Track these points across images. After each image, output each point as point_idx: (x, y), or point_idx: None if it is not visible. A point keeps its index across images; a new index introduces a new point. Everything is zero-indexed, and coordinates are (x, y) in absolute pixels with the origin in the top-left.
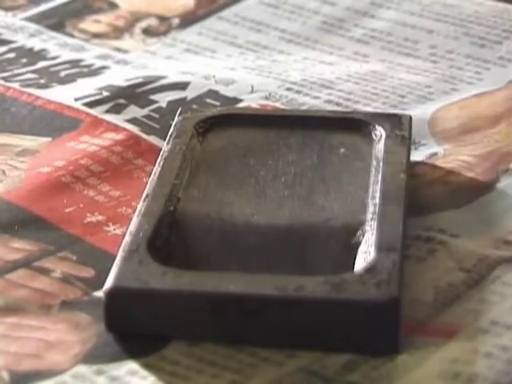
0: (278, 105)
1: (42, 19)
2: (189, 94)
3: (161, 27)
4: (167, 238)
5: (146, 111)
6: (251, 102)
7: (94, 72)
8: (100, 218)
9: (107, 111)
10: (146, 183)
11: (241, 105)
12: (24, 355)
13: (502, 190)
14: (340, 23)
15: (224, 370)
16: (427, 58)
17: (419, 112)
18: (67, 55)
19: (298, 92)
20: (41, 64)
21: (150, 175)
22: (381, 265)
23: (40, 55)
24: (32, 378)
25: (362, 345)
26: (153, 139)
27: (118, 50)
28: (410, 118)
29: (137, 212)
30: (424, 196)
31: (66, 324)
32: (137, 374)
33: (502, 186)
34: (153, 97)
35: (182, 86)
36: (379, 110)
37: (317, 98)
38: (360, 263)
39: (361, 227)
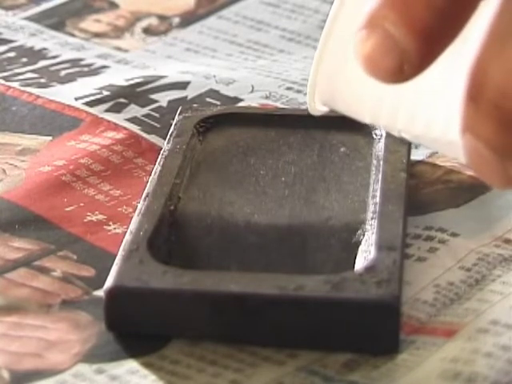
0: (278, 104)
1: (43, 18)
2: (189, 93)
3: (161, 26)
4: (167, 238)
5: (146, 110)
6: (251, 101)
7: (94, 71)
8: (100, 217)
9: (107, 110)
10: (147, 182)
11: (241, 104)
12: (24, 354)
13: None
14: None
15: (224, 369)
16: None
17: None
18: (67, 54)
19: (299, 91)
20: (41, 63)
21: (150, 174)
22: (381, 264)
23: (40, 54)
24: (32, 377)
25: (362, 344)
26: (153, 138)
27: (119, 49)
28: None
29: (137, 211)
30: (424, 195)
31: (66, 323)
32: (137, 373)
33: None
34: (153, 96)
35: (183, 85)
36: None
37: None
38: (360, 262)
39: (361, 226)
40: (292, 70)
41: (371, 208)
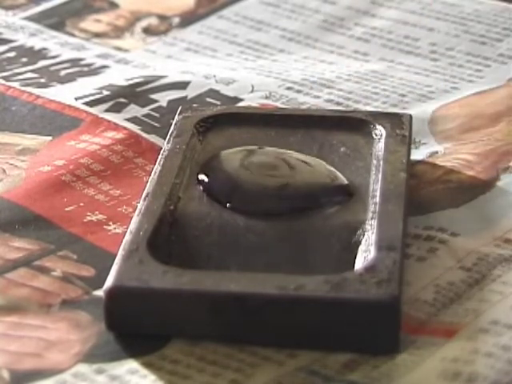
0: (278, 104)
1: (43, 18)
2: (189, 93)
3: (161, 26)
4: (167, 237)
5: (146, 110)
6: (251, 101)
7: (94, 71)
8: (100, 216)
9: (107, 110)
10: (147, 182)
11: (241, 104)
12: (24, 354)
13: (502, 188)
14: (340, 22)
15: (224, 369)
16: (427, 56)
17: (419, 111)
18: (67, 54)
19: (299, 91)
20: (41, 63)
21: (150, 174)
22: (381, 264)
23: (40, 54)
24: (32, 377)
25: (362, 344)
26: (153, 138)
27: (119, 49)
28: (411, 117)
29: (137, 211)
30: (424, 195)
31: (66, 323)
32: (137, 372)
33: (502, 184)
34: (153, 96)
35: (183, 85)
36: (379, 109)
37: (317, 97)
38: (360, 262)
39: (361, 226)
40: (292, 70)
41: (371, 208)
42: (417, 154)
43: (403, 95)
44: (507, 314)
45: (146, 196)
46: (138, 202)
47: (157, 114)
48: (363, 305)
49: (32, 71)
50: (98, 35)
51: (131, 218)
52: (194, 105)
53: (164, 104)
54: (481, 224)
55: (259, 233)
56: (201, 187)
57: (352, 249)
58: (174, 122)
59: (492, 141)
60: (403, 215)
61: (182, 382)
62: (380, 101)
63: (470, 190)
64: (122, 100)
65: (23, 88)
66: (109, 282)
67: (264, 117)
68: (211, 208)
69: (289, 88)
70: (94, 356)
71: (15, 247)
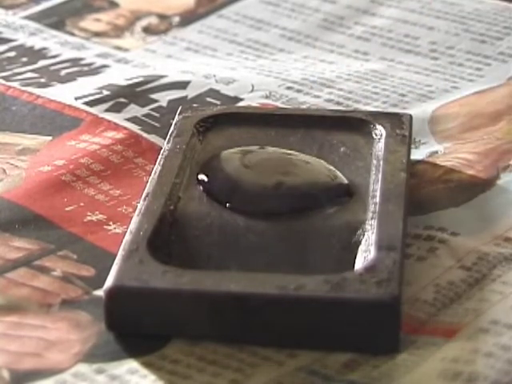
0: (278, 104)
1: (43, 18)
2: (189, 92)
3: (161, 25)
4: (167, 237)
5: (146, 110)
6: (251, 101)
7: (94, 71)
8: (100, 216)
9: (107, 110)
10: (147, 182)
11: (241, 104)
12: (24, 354)
13: (503, 186)
14: (340, 21)
15: (224, 368)
16: (428, 55)
17: (419, 111)
18: (68, 54)
19: (299, 91)
20: (41, 63)
21: (150, 174)
22: (381, 263)
23: (40, 54)
24: (32, 377)
25: (362, 344)
26: (153, 138)
27: (119, 48)
28: (411, 116)
29: (137, 211)
30: (424, 194)
31: (66, 323)
32: (137, 372)
33: (503, 182)
34: (153, 96)
35: (183, 84)
36: (380, 109)
37: (317, 97)
38: (360, 262)
39: (361, 226)
40: (292, 70)
41: (371, 208)
42: (417, 154)
43: (403, 95)
44: (507, 314)
45: (146, 196)
46: (138, 202)
47: (157, 114)
48: (363, 305)
49: (32, 71)
50: (97, 34)
51: (131, 218)
52: (194, 105)
53: (164, 104)
54: (481, 223)
55: (259, 233)
56: (201, 187)
57: (352, 249)
58: (174, 122)
59: (492, 140)
60: (403, 215)
61: (181, 381)
62: (380, 101)
63: (470, 189)
64: (122, 100)
65: (23, 88)
66: (109, 281)
67: (264, 117)
68: (211, 208)
69: (289, 88)
70: (94, 356)
71: (15, 247)
